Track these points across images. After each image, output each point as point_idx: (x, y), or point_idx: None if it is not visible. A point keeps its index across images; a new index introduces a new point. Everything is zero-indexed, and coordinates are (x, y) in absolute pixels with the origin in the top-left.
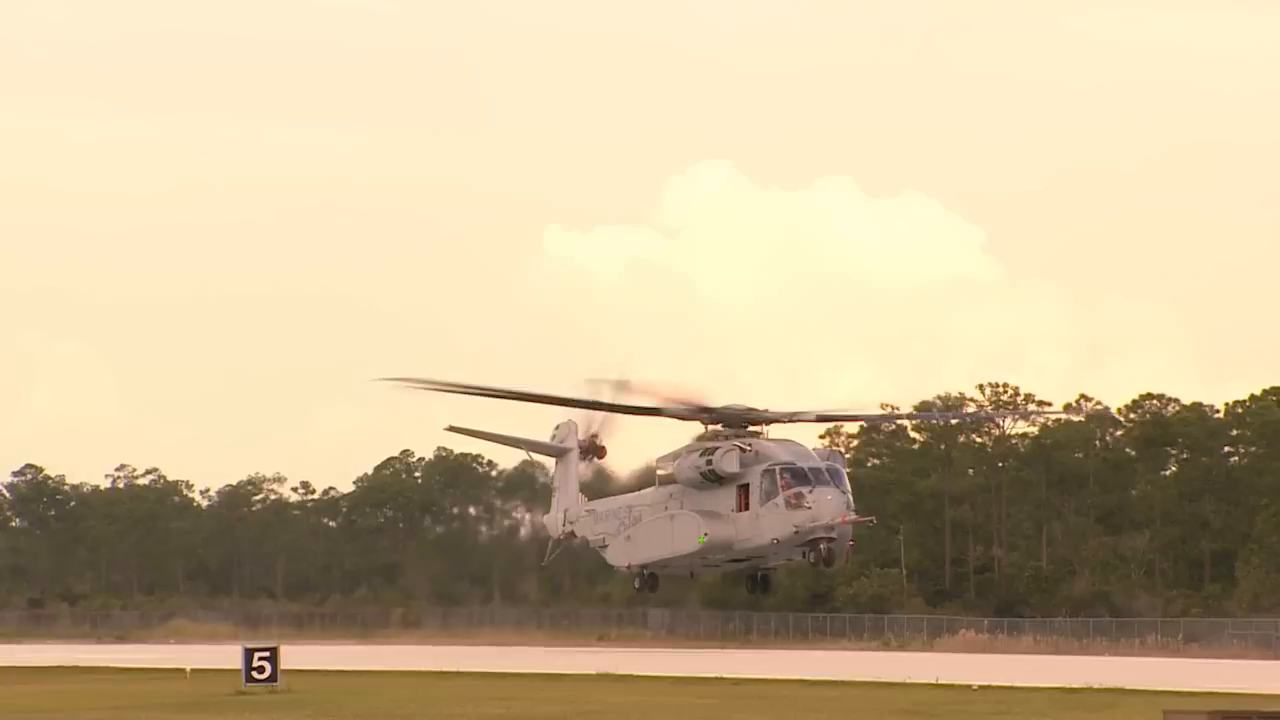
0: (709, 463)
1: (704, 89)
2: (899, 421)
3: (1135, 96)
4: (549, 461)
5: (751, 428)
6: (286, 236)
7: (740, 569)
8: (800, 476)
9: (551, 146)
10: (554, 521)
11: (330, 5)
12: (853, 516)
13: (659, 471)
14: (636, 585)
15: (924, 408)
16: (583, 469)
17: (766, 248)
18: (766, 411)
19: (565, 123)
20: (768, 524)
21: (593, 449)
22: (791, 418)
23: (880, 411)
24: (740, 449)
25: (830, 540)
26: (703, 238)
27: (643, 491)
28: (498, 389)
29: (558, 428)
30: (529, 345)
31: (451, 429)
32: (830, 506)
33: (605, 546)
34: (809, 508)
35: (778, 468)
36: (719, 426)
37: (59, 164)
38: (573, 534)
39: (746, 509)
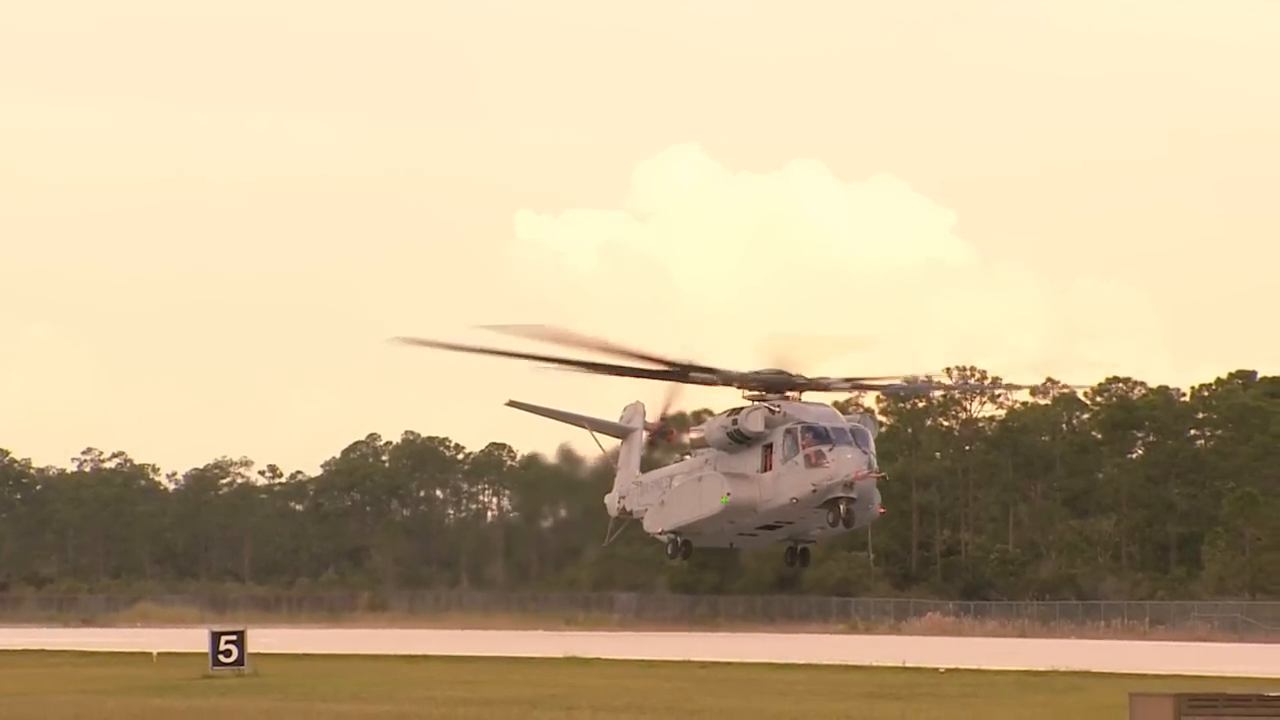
0: (735, 423)
1: (673, 73)
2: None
3: (1107, 81)
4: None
5: (788, 393)
6: (254, 223)
7: (778, 539)
8: (822, 436)
9: (521, 131)
10: (612, 501)
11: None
12: (866, 472)
13: (692, 437)
14: (669, 552)
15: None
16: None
17: (737, 231)
18: (799, 377)
19: (535, 107)
20: (787, 483)
21: (663, 432)
22: (819, 384)
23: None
24: (769, 410)
25: (850, 500)
26: (674, 221)
27: (683, 460)
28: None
29: (626, 408)
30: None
31: (512, 404)
32: (848, 464)
33: (644, 515)
34: (827, 466)
35: (800, 427)
36: (756, 392)
37: (31, 151)
38: (624, 509)
39: (770, 469)
